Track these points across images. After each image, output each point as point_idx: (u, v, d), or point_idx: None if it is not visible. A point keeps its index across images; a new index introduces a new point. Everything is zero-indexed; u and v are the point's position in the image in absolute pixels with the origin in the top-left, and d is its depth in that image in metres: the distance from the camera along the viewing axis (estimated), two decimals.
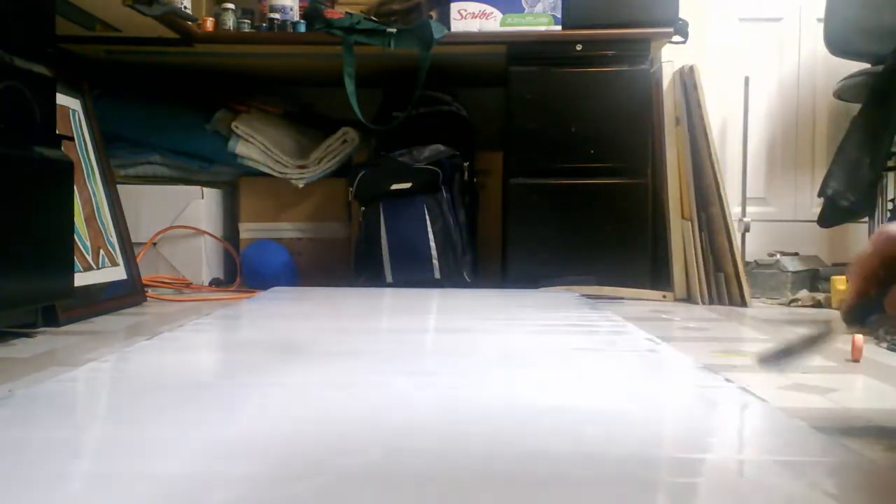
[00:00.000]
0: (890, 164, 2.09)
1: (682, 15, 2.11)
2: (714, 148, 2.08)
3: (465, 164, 2.18)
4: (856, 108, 2.09)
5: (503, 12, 2.09)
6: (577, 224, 2.08)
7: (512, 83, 2.09)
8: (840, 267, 2.26)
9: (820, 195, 1.98)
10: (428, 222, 2.06)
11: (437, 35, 2.03)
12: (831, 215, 1.89)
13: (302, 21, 2.12)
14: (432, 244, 2.05)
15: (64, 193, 1.45)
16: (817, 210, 2.05)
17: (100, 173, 1.85)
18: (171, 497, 0.50)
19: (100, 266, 1.72)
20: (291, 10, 2.15)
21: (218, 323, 1.37)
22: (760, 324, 1.65)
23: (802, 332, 0.79)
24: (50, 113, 1.39)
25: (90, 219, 1.75)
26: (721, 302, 1.99)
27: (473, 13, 2.09)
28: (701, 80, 2.12)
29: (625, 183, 2.08)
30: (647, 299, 2.02)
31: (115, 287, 1.75)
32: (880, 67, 1.98)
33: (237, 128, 2.25)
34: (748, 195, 2.45)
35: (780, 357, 0.79)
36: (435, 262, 2.05)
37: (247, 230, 2.37)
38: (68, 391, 0.84)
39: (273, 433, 0.66)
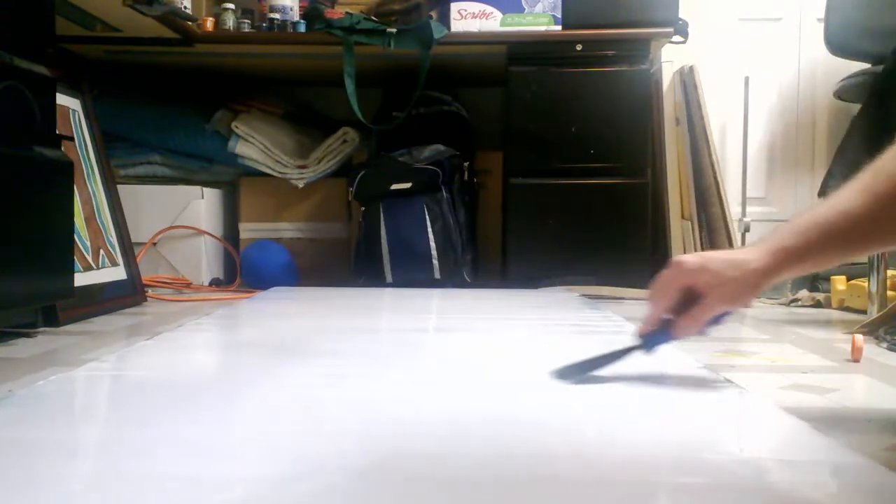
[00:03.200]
0: None
1: (682, 15, 2.10)
2: (714, 148, 2.08)
3: (465, 164, 2.18)
4: (856, 108, 2.08)
5: (503, 12, 2.09)
6: (577, 224, 2.08)
7: (512, 83, 2.09)
8: (840, 267, 2.25)
9: (820, 195, 1.98)
10: (428, 222, 2.06)
11: (437, 35, 2.03)
12: None
13: (302, 21, 2.12)
14: (432, 244, 2.05)
15: (64, 193, 1.45)
16: None
17: (100, 173, 1.85)
18: (171, 497, 0.50)
19: (100, 266, 1.71)
20: (291, 10, 2.15)
21: (218, 323, 1.37)
22: (760, 324, 1.65)
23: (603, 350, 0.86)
24: (50, 113, 1.39)
25: (90, 219, 1.74)
26: None
27: (473, 13, 2.09)
28: (701, 80, 2.12)
29: (625, 183, 2.07)
30: (647, 299, 2.02)
31: (115, 287, 1.75)
32: (880, 67, 1.98)
33: (237, 128, 2.25)
34: (748, 195, 2.45)
35: (578, 371, 0.84)
36: (435, 262, 2.05)
37: (247, 230, 2.37)
38: (68, 391, 0.84)
39: (272, 433, 0.66)
